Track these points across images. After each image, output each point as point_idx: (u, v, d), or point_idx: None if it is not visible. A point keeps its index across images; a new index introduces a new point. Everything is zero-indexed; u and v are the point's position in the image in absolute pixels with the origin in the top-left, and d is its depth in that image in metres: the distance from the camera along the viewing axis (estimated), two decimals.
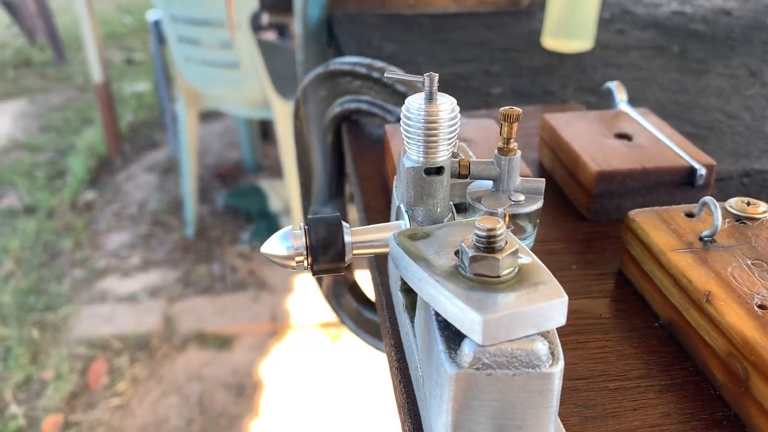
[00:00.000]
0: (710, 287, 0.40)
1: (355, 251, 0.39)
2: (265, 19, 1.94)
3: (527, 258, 0.34)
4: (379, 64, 0.69)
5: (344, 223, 0.39)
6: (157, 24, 2.45)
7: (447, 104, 0.37)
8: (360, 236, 0.39)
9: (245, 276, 2.30)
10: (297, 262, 0.38)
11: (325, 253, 0.38)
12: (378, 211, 0.58)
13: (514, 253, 0.32)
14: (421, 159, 0.37)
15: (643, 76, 0.92)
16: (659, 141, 0.57)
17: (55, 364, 1.94)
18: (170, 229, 2.54)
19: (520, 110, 0.38)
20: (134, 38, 4.66)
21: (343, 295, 0.82)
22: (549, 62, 0.97)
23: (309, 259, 0.38)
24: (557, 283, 0.32)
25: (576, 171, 0.56)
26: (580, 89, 0.88)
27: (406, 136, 0.37)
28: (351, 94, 0.71)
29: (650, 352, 0.42)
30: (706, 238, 0.44)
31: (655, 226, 0.46)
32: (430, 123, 0.36)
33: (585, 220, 0.56)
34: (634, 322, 0.45)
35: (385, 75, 0.37)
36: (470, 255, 0.32)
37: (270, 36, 2.71)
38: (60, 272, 2.31)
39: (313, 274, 0.39)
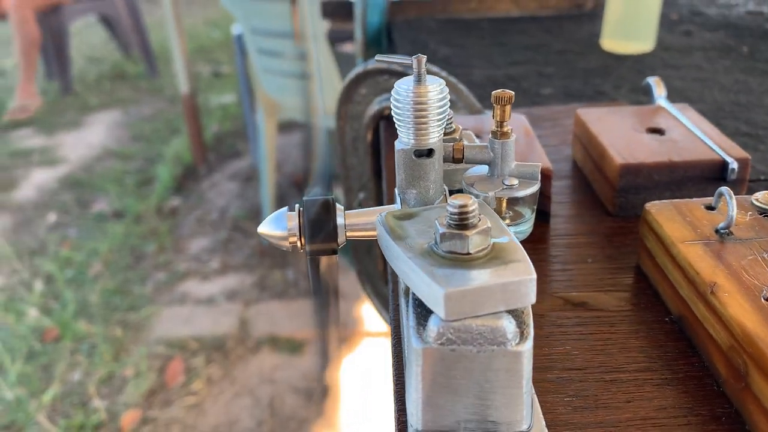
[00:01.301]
0: (717, 279, 0.38)
1: (348, 233, 0.40)
2: (325, 26, 1.98)
3: (504, 238, 0.33)
4: None
5: (338, 206, 0.40)
6: (240, 38, 2.54)
7: (436, 86, 0.37)
8: (354, 219, 0.40)
9: None
10: (290, 243, 0.39)
11: (317, 234, 0.39)
12: None
13: (486, 231, 0.32)
14: (411, 141, 0.38)
15: (704, 77, 0.89)
16: (693, 135, 0.55)
17: (136, 361, 2.03)
18: (248, 235, 2.61)
19: (512, 93, 0.38)
20: (221, 52, 4.84)
21: (383, 291, 0.83)
22: (605, 64, 0.94)
23: (301, 240, 0.39)
24: (529, 262, 0.31)
25: (602, 165, 0.55)
26: (634, 90, 0.85)
27: (397, 119, 0.38)
28: (389, 92, 0.72)
29: (656, 346, 0.40)
30: (722, 231, 0.42)
31: (670, 218, 0.44)
32: (418, 105, 0.37)
33: (610, 215, 0.54)
34: (644, 315, 0.43)
35: (375, 58, 0.38)
36: (441, 232, 0.32)
37: (347, 47, 2.76)
38: (144, 274, 2.41)
39: (307, 255, 0.40)
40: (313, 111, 2.30)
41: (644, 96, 0.83)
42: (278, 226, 0.40)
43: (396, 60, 0.38)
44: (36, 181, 3.08)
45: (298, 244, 0.39)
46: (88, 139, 3.50)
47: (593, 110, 0.61)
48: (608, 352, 0.40)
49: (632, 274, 0.47)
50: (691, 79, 0.88)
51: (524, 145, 0.54)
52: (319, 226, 0.39)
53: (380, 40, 1.15)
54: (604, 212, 0.55)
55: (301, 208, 0.39)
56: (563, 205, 0.56)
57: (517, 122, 0.59)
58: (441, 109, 0.37)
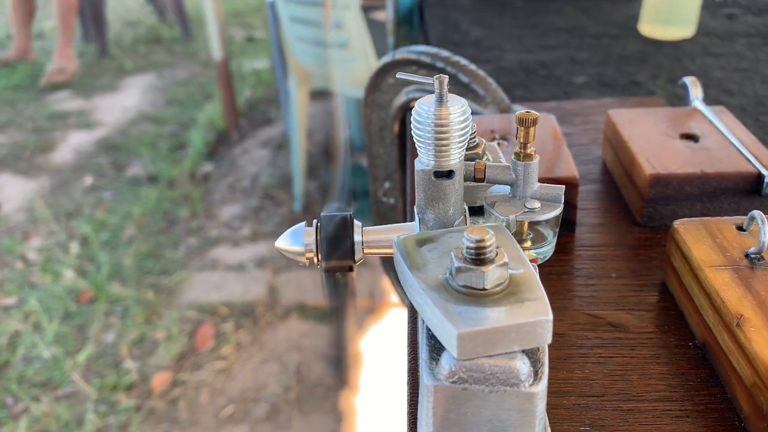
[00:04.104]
0: (744, 310, 0.37)
1: (366, 250, 0.39)
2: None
3: (522, 269, 0.32)
4: (444, 53, 0.68)
5: (356, 222, 0.39)
6: (273, 5, 2.52)
7: (457, 107, 0.36)
8: (372, 236, 0.39)
9: None
10: (307, 258, 0.39)
11: (334, 251, 0.38)
12: None
13: (503, 266, 0.31)
14: (432, 162, 0.37)
15: (745, 66, 0.85)
16: (728, 143, 0.53)
17: (167, 325, 2.06)
18: (279, 204, 2.62)
19: (537, 114, 0.37)
20: (255, 16, 4.82)
21: None
22: (642, 50, 0.91)
23: (318, 256, 0.39)
24: (546, 300, 0.30)
25: (632, 172, 0.53)
26: (671, 80, 0.83)
27: (417, 139, 0.37)
28: (416, 84, 0.70)
29: (677, 373, 0.40)
30: (752, 256, 0.41)
31: (699, 238, 0.43)
32: (439, 126, 0.36)
33: (638, 225, 0.53)
34: (667, 339, 0.42)
35: (396, 75, 0.37)
36: (456, 266, 0.31)
37: (381, 15, 2.72)
38: (176, 239, 2.45)
39: (324, 272, 0.39)
40: (337, 80, 2.29)
41: (681, 89, 0.80)
42: (295, 241, 0.39)
43: (417, 80, 0.37)
44: (73, 143, 3.12)
45: (315, 260, 0.39)
46: (124, 102, 3.53)
47: (625, 112, 0.59)
48: (628, 379, 0.39)
49: (657, 292, 0.46)
50: (732, 69, 0.84)
51: (552, 151, 0.53)
52: (336, 243, 0.39)
53: (412, 19, 1.13)
54: (632, 222, 0.53)
55: (319, 224, 0.39)
56: (590, 212, 0.55)
57: (546, 123, 0.58)
58: (462, 131, 0.36)
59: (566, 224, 0.51)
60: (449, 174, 0.37)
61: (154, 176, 2.82)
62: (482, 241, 0.31)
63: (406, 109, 0.72)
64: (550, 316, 0.30)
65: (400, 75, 0.37)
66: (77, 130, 3.25)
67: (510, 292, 0.31)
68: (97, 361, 1.94)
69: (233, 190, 2.72)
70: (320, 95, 3.25)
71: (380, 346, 1.96)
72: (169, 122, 3.28)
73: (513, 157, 0.38)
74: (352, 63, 2.19)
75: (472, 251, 0.31)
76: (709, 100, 0.76)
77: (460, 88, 0.67)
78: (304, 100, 2.40)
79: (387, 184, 0.79)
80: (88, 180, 2.81)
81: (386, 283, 2.20)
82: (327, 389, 1.90)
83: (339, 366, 1.98)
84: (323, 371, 1.93)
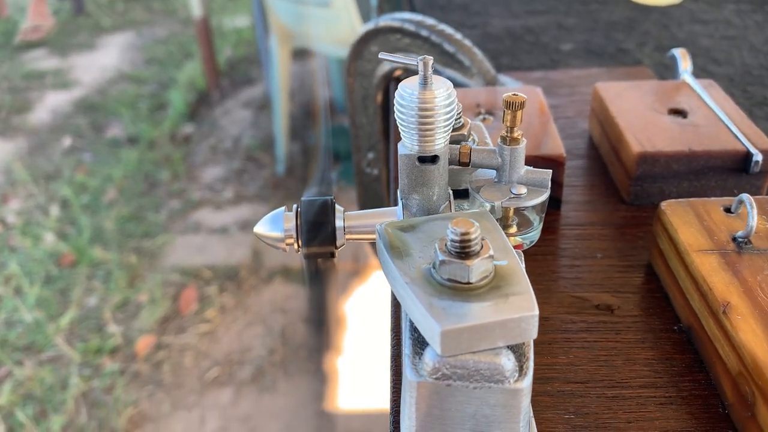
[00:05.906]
0: (730, 298, 0.36)
1: (347, 236, 0.38)
2: None
3: (508, 260, 0.32)
4: (429, 21, 0.66)
5: (338, 207, 0.38)
6: None
7: (442, 90, 0.34)
8: (354, 221, 0.38)
9: None
10: (287, 244, 0.38)
11: (314, 238, 0.37)
12: None
13: (488, 258, 0.30)
14: (416, 147, 0.36)
15: (733, 34, 0.84)
16: (717, 119, 0.52)
17: (150, 288, 2.05)
18: (262, 166, 2.60)
19: (525, 97, 0.35)
20: None
21: None
22: (631, 16, 0.90)
23: (298, 243, 0.38)
24: (532, 294, 0.30)
25: (619, 149, 0.52)
26: (659, 48, 0.81)
27: (400, 123, 0.35)
28: (400, 52, 0.68)
29: (662, 358, 0.39)
30: (740, 239, 0.40)
31: (687, 221, 0.42)
32: (424, 110, 0.34)
33: (624, 202, 0.52)
34: (652, 323, 0.42)
35: (379, 56, 0.35)
36: (440, 259, 0.30)
37: None
38: (158, 202, 2.42)
39: (304, 258, 0.38)
40: (318, 40, 2.24)
41: (668, 59, 0.79)
42: (275, 227, 0.38)
43: (400, 60, 0.35)
44: (50, 103, 3.05)
45: (295, 246, 0.38)
46: (102, 61, 3.44)
47: (613, 85, 0.57)
48: (612, 364, 0.39)
49: (643, 273, 0.46)
50: (720, 37, 0.83)
51: (538, 126, 0.52)
52: (317, 229, 0.37)
53: None
54: (618, 199, 0.53)
55: (299, 209, 0.38)
56: (576, 189, 0.54)
57: (532, 97, 0.56)
58: (448, 115, 0.35)
59: (552, 202, 0.51)
60: (434, 159, 0.36)
61: (135, 137, 2.77)
62: (467, 234, 0.30)
63: (390, 78, 0.70)
64: (536, 312, 0.29)
65: (382, 55, 0.35)
66: (54, 90, 3.17)
67: (495, 285, 0.30)
68: (80, 324, 1.94)
69: (215, 151, 2.69)
70: (303, 54, 3.19)
71: (365, 309, 1.97)
72: (148, 82, 3.22)
73: (499, 140, 0.37)
74: (335, 22, 2.15)
75: (457, 244, 0.30)
76: (696, 69, 0.75)
77: (445, 57, 0.65)
78: (286, 60, 2.36)
79: (370, 155, 0.77)
80: (67, 141, 2.76)
81: (368, 247, 2.19)
82: (311, 351, 1.91)
83: (320, 330, 1.99)
84: (307, 334, 1.94)
